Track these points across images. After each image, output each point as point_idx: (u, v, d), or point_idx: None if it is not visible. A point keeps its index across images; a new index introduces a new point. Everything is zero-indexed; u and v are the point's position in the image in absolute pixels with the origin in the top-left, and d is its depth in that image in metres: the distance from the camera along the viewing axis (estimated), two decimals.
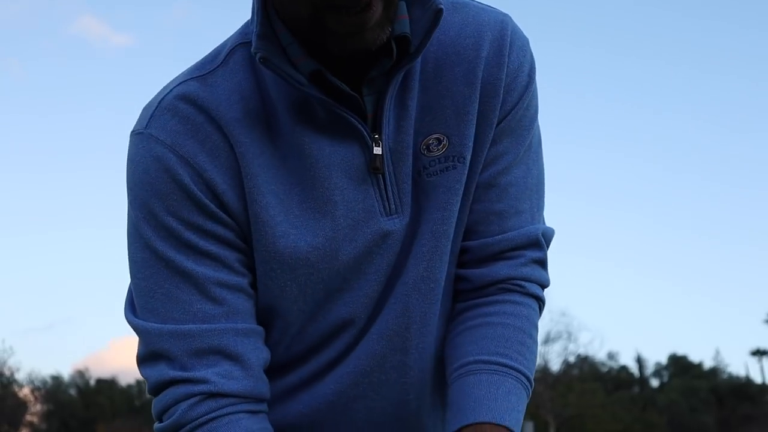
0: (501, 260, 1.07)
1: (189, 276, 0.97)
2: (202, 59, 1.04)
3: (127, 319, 1.02)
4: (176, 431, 0.96)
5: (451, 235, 1.05)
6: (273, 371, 1.05)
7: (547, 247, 1.11)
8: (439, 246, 1.03)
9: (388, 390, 1.06)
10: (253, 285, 1.03)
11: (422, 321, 1.05)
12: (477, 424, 0.94)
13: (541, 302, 1.09)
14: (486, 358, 1.00)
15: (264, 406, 1.00)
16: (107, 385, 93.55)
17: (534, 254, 1.08)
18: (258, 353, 1.00)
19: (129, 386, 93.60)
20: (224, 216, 0.99)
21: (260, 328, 1.02)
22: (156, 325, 0.98)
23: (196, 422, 0.95)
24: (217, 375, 0.95)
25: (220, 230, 0.98)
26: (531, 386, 1.02)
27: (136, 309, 1.01)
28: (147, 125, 0.99)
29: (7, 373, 49.56)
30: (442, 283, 1.06)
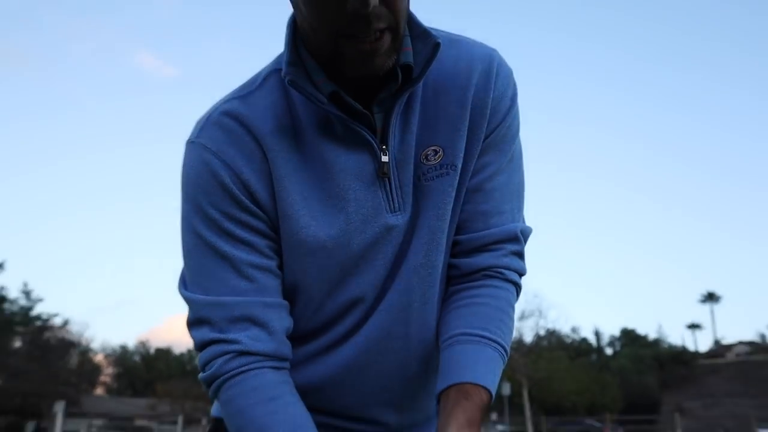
0: (485, 252, 1.06)
1: (227, 258, 0.97)
2: (244, 83, 1.04)
3: (179, 292, 1.03)
4: (214, 380, 0.97)
5: (446, 230, 1.04)
6: (299, 339, 1.04)
7: (525, 241, 1.09)
8: (435, 238, 1.03)
9: (393, 356, 1.05)
10: (280, 267, 1.02)
11: (421, 300, 1.04)
12: (461, 383, 0.93)
13: (518, 287, 1.08)
14: (470, 331, 1.00)
15: (286, 364, 1.00)
16: (164, 353, 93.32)
17: (513, 247, 1.07)
18: (282, 322, 1.00)
19: (181, 354, 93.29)
20: (257, 210, 0.99)
21: (285, 302, 1.02)
22: (201, 296, 0.98)
23: (230, 374, 0.95)
24: (247, 337, 0.96)
25: (253, 221, 0.99)
26: (507, 355, 1.01)
27: (186, 284, 1.02)
28: (198, 135, 1.00)
29: (84, 343, 49.32)
30: (439, 269, 1.05)
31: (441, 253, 1.04)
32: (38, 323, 46.63)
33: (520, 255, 1.08)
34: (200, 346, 0.98)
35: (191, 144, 1.00)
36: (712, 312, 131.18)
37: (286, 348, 1.00)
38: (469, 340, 0.98)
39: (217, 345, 0.96)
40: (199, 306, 0.98)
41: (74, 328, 52.28)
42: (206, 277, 0.98)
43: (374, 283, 1.03)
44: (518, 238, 1.07)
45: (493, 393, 0.95)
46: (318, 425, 0.97)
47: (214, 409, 1.12)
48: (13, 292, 50.63)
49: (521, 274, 1.08)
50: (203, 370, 0.98)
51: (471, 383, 0.93)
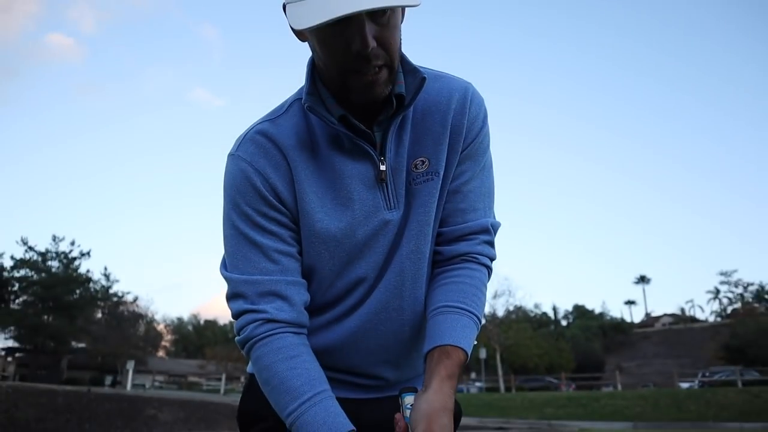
0: (463, 241, 1.06)
1: (257, 245, 0.98)
2: (273, 109, 1.05)
3: (221, 272, 1.03)
4: (247, 342, 0.97)
5: (431, 224, 1.04)
6: (315, 311, 1.04)
7: (495, 233, 1.09)
8: (423, 231, 1.03)
9: (390, 325, 1.04)
10: (300, 253, 1.02)
11: (412, 280, 1.04)
12: (443, 345, 0.94)
13: (489, 269, 1.08)
14: (450, 304, 1.00)
15: (304, 331, 1.00)
16: (211, 324, 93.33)
17: (485, 237, 1.07)
18: (301, 297, 0.99)
19: (224, 325, 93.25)
20: (282, 207, 0.99)
21: (304, 281, 1.01)
22: (237, 275, 0.98)
23: (258, 337, 0.96)
24: (273, 308, 0.96)
25: (278, 216, 0.99)
26: (480, 323, 1.01)
27: (226, 266, 1.02)
28: (237, 149, 1.00)
29: (149, 315, 49.49)
30: (426, 255, 1.05)
31: (428, 243, 1.04)
32: (115, 299, 46.87)
33: (491, 244, 1.08)
34: (236, 315, 0.99)
35: (231, 156, 1.01)
36: (644, 291, 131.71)
37: (304, 317, 1.00)
38: (449, 311, 0.99)
39: (249, 314, 0.97)
40: (235, 283, 0.98)
41: (142, 303, 52.87)
42: (241, 260, 0.98)
43: (375, 266, 1.03)
44: (489, 230, 1.07)
45: (469, 353, 0.96)
46: (331, 380, 0.97)
47: (249, 367, 1.11)
48: (96, 275, 50.82)
49: (492, 259, 1.08)
50: (238, 334, 0.99)
51: (451, 345, 0.94)
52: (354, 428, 0.89)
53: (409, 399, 0.90)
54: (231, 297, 0.99)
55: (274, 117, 1.02)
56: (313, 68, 1.01)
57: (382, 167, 0.99)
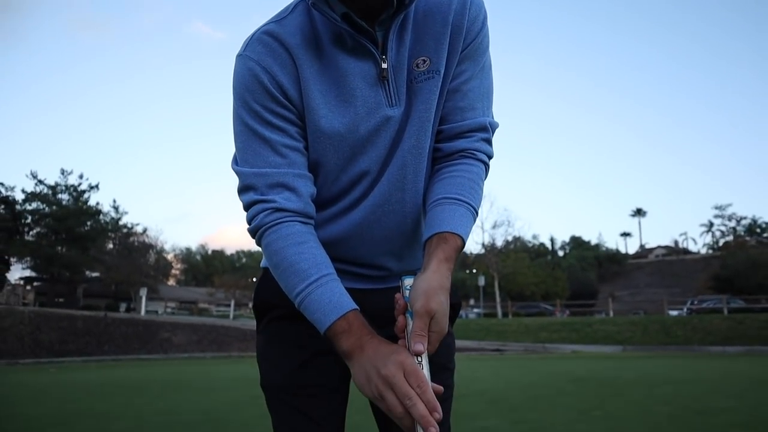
0: (461, 138, 1.07)
1: (266, 140, 0.99)
2: (280, 11, 1.05)
3: (232, 167, 1.04)
4: (257, 230, 0.99)
5: (431, 121, 1.04)
6: (322, 205, 1.06)
7: (492, 132, 1.09)
8: (424, 127, 1.03)
9: (393, 216, 1.06)
10: (306, 148, 1.03)
11: (414, 173, 1.05)
12: (441, 232, 0.96)
13: (486, 166, 1.09)
14: (449, 195, 1.01)
15: (311, 221, 1.02)
16: (219, 253, 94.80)
17: (483, 135, 1.07)
18: (307, 189, 1.01)
19: (231, 255, 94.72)
20: (288, 104, 1.00)
21: (310, 175, 1.03)
22: (247, 169, 1.00)
23: (268, 225, 0.98)
24: (281, 198, 0.98)
25: (285, 113, 1.00)
26: (477, 214, 1.03)
27: (237, 161, 1.03)
28: (245, 49, 1.01)
29: (159, 245, 49.91)
30: (426, 151, 1.06)
31: (428, 139, 1.05)
32: (125, 230, 47.25)
33: (489, 141, 1.09)
34: (247, 206, 1.01)
35: (240, 56, 1.01)
36: (639, 223, 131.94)
37: (311, 208, 1.02)
38: (447, 202, 1.01)
39: (258, 204, 0.99)
40: (245, 176, 1.01)
41: (151, 233, 53.35)
42: (251, 154, 1.00)
43: (377, 160, 1.04)
44: (487, 128, 1.08)
45: (466, 240, 0.98)
46: (338, 271, 1.00)
47: (263, 262, 1.16)
48: (106, 207, 51.18)
49: (489, 156, 1.09)
50: (249, 223, 1.01)
51: (448, 232, 0.97)
52: (357, 307, 0.93)
53: (408, 281, 0.94)
54: (242, 190, 1.02)
55: (279, 18, 1.02)
56: None
57: (384, 65, 0.99)
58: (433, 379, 0.87)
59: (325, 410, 1.05)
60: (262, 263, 1.16)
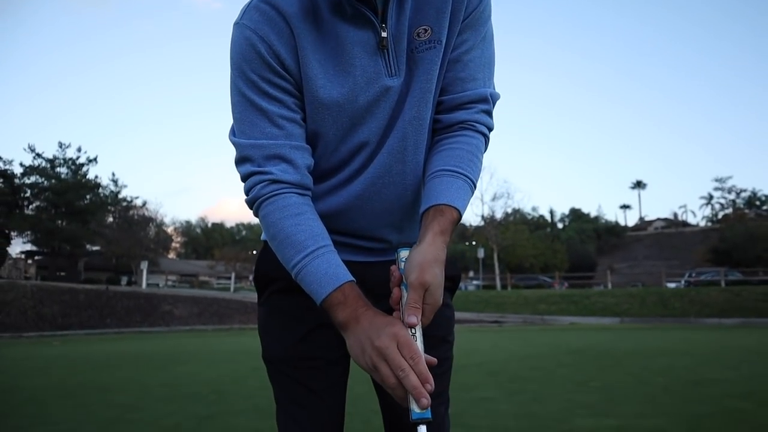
0: (461, 110, 1.05)
1: (263, 111, 0.98)
2: None
3: (229, 138, 1.04)
4: (254, 201, 0.99)
5: (432, 91, 1.03)
6: (320, 177, 1.06)
7: (493, 103, 1.08)
8: (424, 98, 1.02)
9: (393, 188, 1.06)
10: (304, 120, 1.02)
11: (414, 145, 1.04)
12: (437, 204, 0.96)
13: (486, 138, 1.07)
14: (446, 167, 1.01)
15: (308, 193, 1.01)
16: (218, 226, 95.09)
17: (483, 107, 1.06)
18: (305, 161, 1.00)
19: (231, 227, 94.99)
20: (285, 74, 0.98)
21: (308, 146, 1.02)
22: (244, 140, 0.99)
23: (265, 196, 0.98)
24: (278, 170, 0.97)
25: (281, 83, 0.98)
26: (474, 187, 1.02)
27: (234, 132, 1.02)
28: (242, 18, 0.99)
29: (159, 218, 49.99)
30: (427, 122, 1.05)
31: (429, 110, 1.04)
32: (124, 204, 47.32)
33: (489, 113, 1.08)
34: (244, 177, 1.01)
35: (236, 24, 1.00)
36: (639, 196, 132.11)
37: (308, 180, 1.01)
38: (444, 174, 1.00)
39: (255, 176, 0.98)
40: (242, 147, 1.00)
41: (151, 207, 53.10)
42: (247, 125, 0.99)
43: (377, 131, 1.03)
44: (488, 99, 1.06)
45: (462, 213, 0.98)
46: (338, 244, 1.00)
47: (263, 235, 1.15)
48: (105, 180, 51.08)
49: (490, 128, 1.08)
50: (247, 194, 1.01)
51: (445, 204, 0.96)
52: (353, 279, 0.93)
53: (404, 253, 0.94)
54: (239, 161, 1.01)
55: None
56: None
57: (384, 34, 0.97)
58: (432, 352, 0.87)
59: (326, 382, 1.06)
60: (263, 236, 1.16)
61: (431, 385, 0.81)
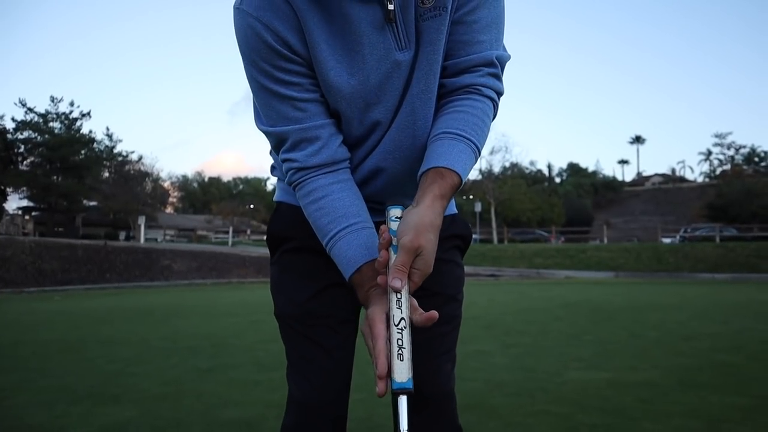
0: (466, 73, 1.02)
1: (283, 97, 0.97)
2: None
3: (256, 125, 1.05)
4: (290, 185, 1.03)
5: (439, 61, 1.01)
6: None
7: (501, 66, 1.04)
8: (432, 68, 1.00)
9: (405, 161, 1.05)
10: (323, 95, 1.01)
11: (424, 119, 1.03)
12: (437, 167, 0.93)
13: (494, 102, 1.04)
14: (449, 130, 0.98)
15: (342, 165, 1.02)
16: (215, 180, 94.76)
17: (489, 70, 1.02)
18: (332, 134, 1.01)
19: (228, 182, 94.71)
20: (296, 58, 0.96)
21: (333, 120, 1.02)
22: (271, 128, 1.00)
23: (294, 183, 1.00)
24: (303, 156, 0.98)
25: (295, 68, 0.97)
26: (479, 153, 1.00)
27: (261, 119, 1.03)
28: (241, 2, 0.96)
29: (155, 173, 49.79)
30: (435, 93, 1.03)
31: (436, 80, 1.02)
32: (120, 159, 47.03)
33: (497, 76, 1.04)
34: (280, 164, 1.04)
35: (237, 10, 0.97)
36: (638, 151, 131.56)
37: (339, 153, 1.01)
38: (447, 137, 0.97)
39: (286, 163, 1.01)
40: (271, 136, 1.02)
41: (147, 161, 52.91)
42: (272, 112, 0.99)
43: (390, 108, 1.01)
44: (494, 62, 1.02)
45: (464, 179, 0.96)
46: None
47: (275, 196, 1.20)
48: (99, 135, 50.48)
49: (498, 92, 1.04)
50: (286, 180, 1.04)
51: (445, 167, 0.93)
52: (370, 258, 0.93)
53: (395, 211, 0.91)
54: (274, 148, 1.05)
55: None
56: None
57: (391, 7, 0.94)
58: (441, 310, 0.87)
59: (336, 339, 1.09)
60: (275, 197, 1.20)
61: (383, 381, 0.80)
